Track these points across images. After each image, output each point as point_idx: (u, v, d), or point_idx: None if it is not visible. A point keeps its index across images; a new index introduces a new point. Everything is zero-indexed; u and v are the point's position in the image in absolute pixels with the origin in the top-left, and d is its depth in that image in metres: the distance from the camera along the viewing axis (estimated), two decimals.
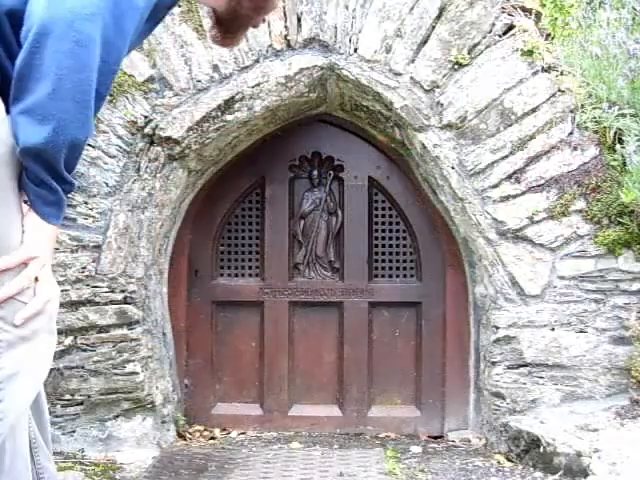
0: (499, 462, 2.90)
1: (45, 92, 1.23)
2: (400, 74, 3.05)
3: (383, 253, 3.51)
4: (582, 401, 2.98)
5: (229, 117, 3.08)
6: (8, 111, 1.30)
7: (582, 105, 3.01)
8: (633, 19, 3.28)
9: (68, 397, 3.00)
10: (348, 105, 3.31)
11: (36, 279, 1.29)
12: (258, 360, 3.48)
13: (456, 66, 3.02)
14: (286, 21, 3.02)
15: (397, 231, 3.51)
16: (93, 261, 2.98)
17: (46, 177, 1.28)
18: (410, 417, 3.44)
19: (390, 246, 3.51)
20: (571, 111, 3.01)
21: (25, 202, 1.32)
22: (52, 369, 2.98)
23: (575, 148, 3.00)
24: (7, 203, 1.27)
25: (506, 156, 3.02)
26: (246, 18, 1.61)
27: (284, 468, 2.85)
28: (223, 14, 1.60)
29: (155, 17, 1.47)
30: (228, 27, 1.59)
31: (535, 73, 3.02)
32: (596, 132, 3.00)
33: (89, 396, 3.01)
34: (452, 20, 3.02)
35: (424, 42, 3.03)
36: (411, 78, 3.04)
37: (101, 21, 1.26)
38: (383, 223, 3.51)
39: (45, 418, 1.52)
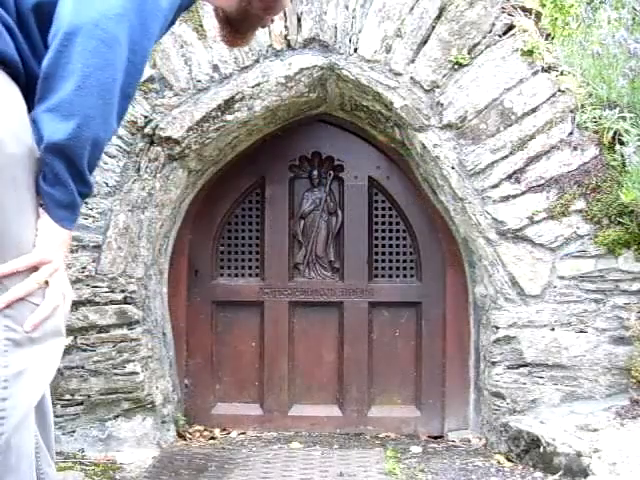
0: (499, 462, 2.90)
1: (70, 89, 1.24)
2: (400, 74, 3.05)
3: (383, 253, 3.51)
4: (582, 401, 2.98)
5: (229, 117, 3.08)
6: (30, 111, 1.31)
7: (582, 105, 3.01)
8: (633, 19, 3.28)
9: (68, 397, 3.00)
10: (348, 105, 3.31)
11: (46, 283, 1.29)
12: (258, 360, 3.48)
13: (456, 66, 3.02)
14: (286, 21, 3.02)
15: (397, 231, 3.51)
16: (93, 261, 2.98)
17: (65, 176, 1.28)
18: (410, 417, 3.44)
19: (390, 246, 3.51)
20: (571, 111, 3.01)
21: (40, 205, 1.31)
22: None
23: (575, 148, 3.00)
24: (23, 204, 1.26)
25: (506, 156, 3.02)
26: (256, 18, 1.61)
27: (284, 468, 2.85)
28: (233, 14, 1.60)
29: (173, 19, 1.49)
30: (238, 27, 1.59)
31: (535, 73, 3.02)
32: (596, 132, 3.00)
33: (89, 396, 3.01)
34: (452, 20, 3.02)
35: (424, 42, 3.03)
36: (411, 78, 3.04)
37: (127, 22, 1.28)
38: (383, 223, 3.51)
39: (49, 421, 1.51)
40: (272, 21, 1.74)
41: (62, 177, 1.28)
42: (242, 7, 1.57)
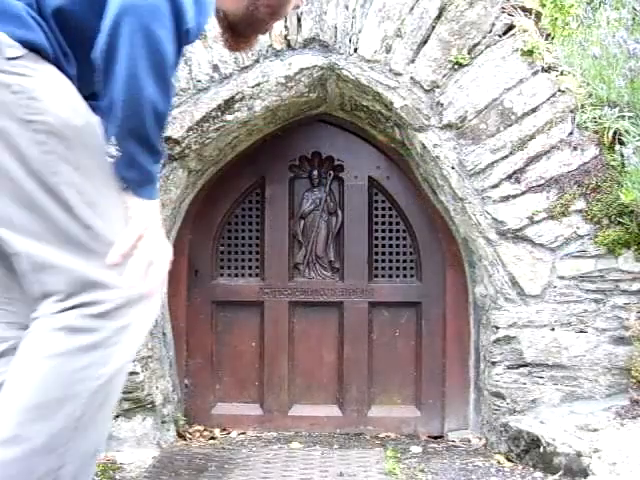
0: (499, 462, 2.90)
1: (125, 71, 1.26)
2: (400, 74, 3.05)
3: (383, 253, 3.51)
4: (582, 401, 2.97)
5: (229, 117, 3.08)
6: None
7: (582, 105, 3.01)
8: (633, 19, 3.28)
9: None
10: (348, 105, 3.31)
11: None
12: (258, 360, 3.48)
13: (456, 66, 3.02)
14: (286, 21, 3.02)
15: (397, 231, 3.51)
16: None
17: (140, 155, 1.32)
18: (410, 417, 3.44)
19: (390, 246, 3.51)
20: (571, 111, 3.01)
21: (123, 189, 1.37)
22: None
23: (575, 148, 3.00)
24: (103, 170, 1.33)
25: (506, 156, 3.02)
26: (261, 22, 1.61)
27: (284, 468, 2.85)
28: (237, 19, 1.59)
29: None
30: (242, 32, 1.60)
31: (535, 73, 3.02)
32: (596, 132, 3.00)
33: None
34: (452, 20, 3.02)
35: (424, 42, 3.03)
36: (411, 78, 3.04)
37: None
38: (383, 223, 3.51)
39: None
40: (272, 27, 1.75)
41: (137, 157, 1.32)
42: (249, 12, 1.56)
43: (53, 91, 1.30)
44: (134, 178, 1.35)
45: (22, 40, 1.27)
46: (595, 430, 2.70)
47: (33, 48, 1.28)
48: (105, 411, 1.32)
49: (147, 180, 1.37)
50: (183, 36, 1.31)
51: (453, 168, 3.06)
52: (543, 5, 3.42)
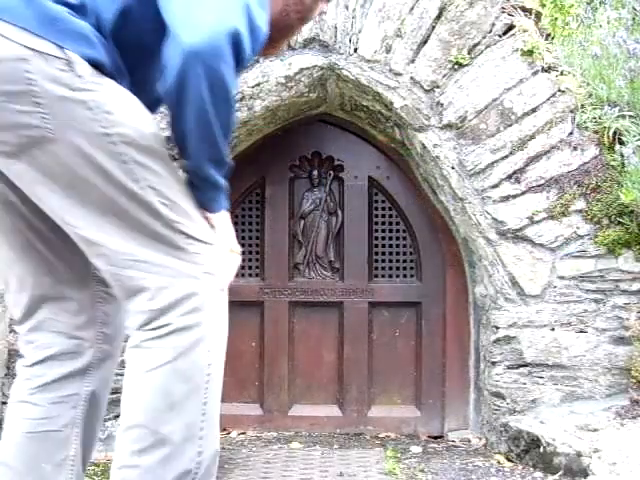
0: (499, 462, 2.90)
1: (195, 113, 1.39)
2: (400, 74, 3.05)
3: (383, 253, 3.51)
4: (582, 401, 2.97)
5: None
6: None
7: (582, 105, 3.01)
8: (633, 19, 3.28)
9: None
10: (348, 105, 3.31)
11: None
12: (258, 360, 3.48)
13: (456, 66, 3.02)
14: None
15: (397, 231, 3.51)
16: None
17: (212, 173, 1.41)
18: (410, 417, 3.44)
19: (390, 246, 3.51)
20: (571, 111, 3.01)
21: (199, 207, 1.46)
22: None
23: (575, 148, 3.00)
24: (184, 186, 1.43)
25: (506, 156, 3.02)
26: (291, 28, 1.65)
27: (284, 468, 2.85)
28: (269, 25, 1.62)
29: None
30: (272, 37, 1.63)
31: (535, 73, 3.02)
32: (596, 132, 3.00)
33: None
34: (452, 20, 3.02)
35: (424, 42, 3.03)
36: (411, 78, 3.04)
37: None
38: (383, 223, 3.51)
39: (96, 428, 1.63)
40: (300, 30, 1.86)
41: (211, 179, 1.42)
42: (281, 17, 1.60)
43: (123, 103, 1.37)
44: (210, 197, 1.45)
45: (89, 58, 1.33)
46: (595, 430, 2.70)
47: (97, 65, 1.35)
48: (219, 393, 1.43)
49: (220, 194, 1.47)
50: (240, 64, 1.38)
51: (453, 168, 3.06)
52: (543, 5, 3.42)
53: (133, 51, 1.43)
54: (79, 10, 1.35)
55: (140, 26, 1.42)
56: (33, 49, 1.27)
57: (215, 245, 1.44)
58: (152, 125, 1.43)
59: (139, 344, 1.37)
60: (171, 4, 1.33)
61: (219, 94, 1.34)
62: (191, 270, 1.38)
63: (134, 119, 1.38)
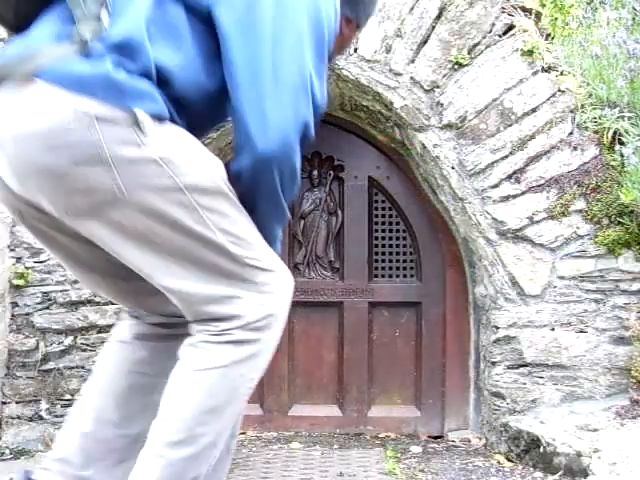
0: (499, 462, 2.90)
1: (269, 205, 1.57)
2: (400, 74, 3.05)
3: (383, 253, 3.51)
4: (582, 401, 2.97)
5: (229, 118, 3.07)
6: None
7: (582, 105, 3.01)
8: (633, 19, 3.28)
9: (68, 397, 3.00)
10: (348, 105, 3.31)
11: None
12: None
13: (456, 66, 3.02)
14: None
15: (397, 231, 3.51)
16: None
17: (279, 233, 1.61)
18: (410, 417, 3.44)
19: (390, 246, 3.51)
20: (571, 111, 3.01)
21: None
22: (52, 369, 2.99)
23: (575, 148, 3.00)
24: (249, 221, 1.51)
25: (506, 156, 3.02)
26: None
27: (284, 468, 2.85)
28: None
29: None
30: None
31: (535, 73, 3.02)
32: (596, 132, 3.00)
33: None
34: (452, 20, 3.02)
35: (424, 42, 3.03)
36: (411, 78, 3.04)
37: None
38: (383, 223, 3.51)
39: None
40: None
41: (274, 232, 1.67)
42: (342, 47, 1.76)
43: (187, 150, 1.40)
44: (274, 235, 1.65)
45: (153, 113, 1.35)
46: (595, 430, 2.70)
47: (160, 118, 1.37)
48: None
49: (278, 242, 1.67)
50: (307, 140, 1.57)
51: (453, 168, 3.06)
52: (543, 5, 3.42)
53: (189, 107, 1.47)
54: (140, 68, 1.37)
55: (198, 90, 1.47)
56: (98, 115, 1.29)
57: (277, 272, 1.56)
58: (214, 165, 1.45)
59: (196, 344, 1.41)
60: (239, 91, 1.45)
61: (289, 179, 1.48)
62: (258, 299, 1.45)
63: (198, 164, 1.41)
